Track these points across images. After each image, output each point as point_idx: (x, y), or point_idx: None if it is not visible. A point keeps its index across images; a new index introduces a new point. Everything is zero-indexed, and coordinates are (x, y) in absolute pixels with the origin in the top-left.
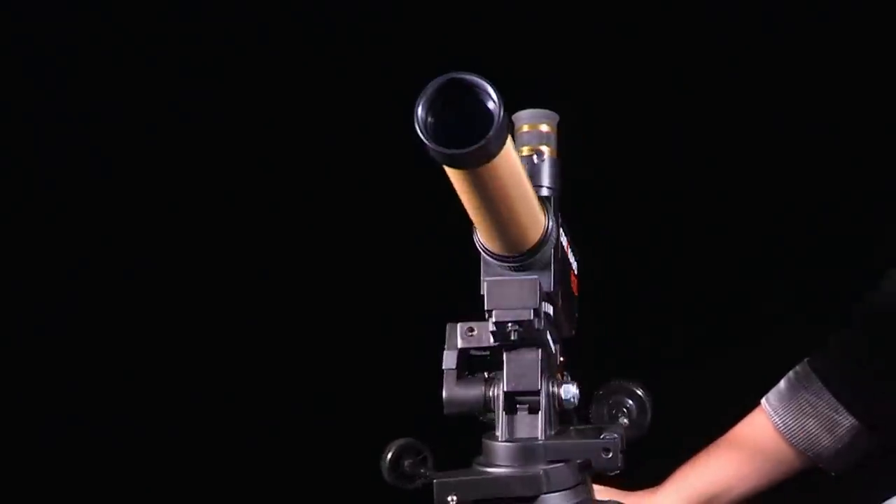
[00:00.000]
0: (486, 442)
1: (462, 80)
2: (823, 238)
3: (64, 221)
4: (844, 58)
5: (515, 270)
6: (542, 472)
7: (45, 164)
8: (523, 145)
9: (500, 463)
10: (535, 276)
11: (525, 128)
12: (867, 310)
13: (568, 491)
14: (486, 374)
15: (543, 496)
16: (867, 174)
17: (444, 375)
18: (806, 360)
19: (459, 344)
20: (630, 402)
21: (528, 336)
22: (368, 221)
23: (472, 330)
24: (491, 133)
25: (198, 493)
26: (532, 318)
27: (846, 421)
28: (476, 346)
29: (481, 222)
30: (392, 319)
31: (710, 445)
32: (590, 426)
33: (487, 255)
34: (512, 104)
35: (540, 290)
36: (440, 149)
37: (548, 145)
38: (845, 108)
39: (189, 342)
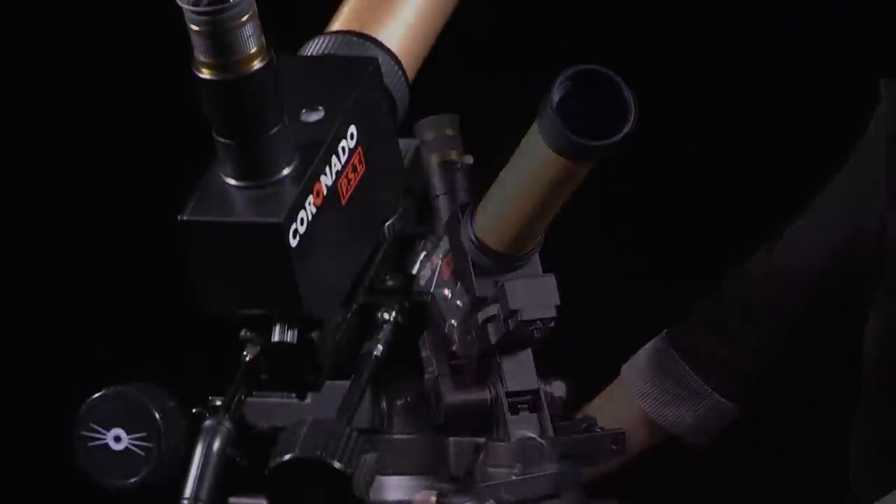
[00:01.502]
0: (494, 444)
1: (606, 76)
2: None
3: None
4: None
5: (508, 272)
6: (563, 468)
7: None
8: (432, 153)
9: (513, 463)
10: (552, 275)
11: (430, 135)
12: (736, 282)
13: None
14: None
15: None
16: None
17: (440, 382)
18: (666, 332)
19: (457, 349)
20: None
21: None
22: None
23: (469, 333)
24: (626, 131)
25: None
26: (555, 315)
27: (710, 398)
28: (476, 349)
29: (520, 216)
30: None
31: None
32: (568, 422)
33: (483, 254)
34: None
35: None
36: (575, 137)
37: (455, 149)
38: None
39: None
